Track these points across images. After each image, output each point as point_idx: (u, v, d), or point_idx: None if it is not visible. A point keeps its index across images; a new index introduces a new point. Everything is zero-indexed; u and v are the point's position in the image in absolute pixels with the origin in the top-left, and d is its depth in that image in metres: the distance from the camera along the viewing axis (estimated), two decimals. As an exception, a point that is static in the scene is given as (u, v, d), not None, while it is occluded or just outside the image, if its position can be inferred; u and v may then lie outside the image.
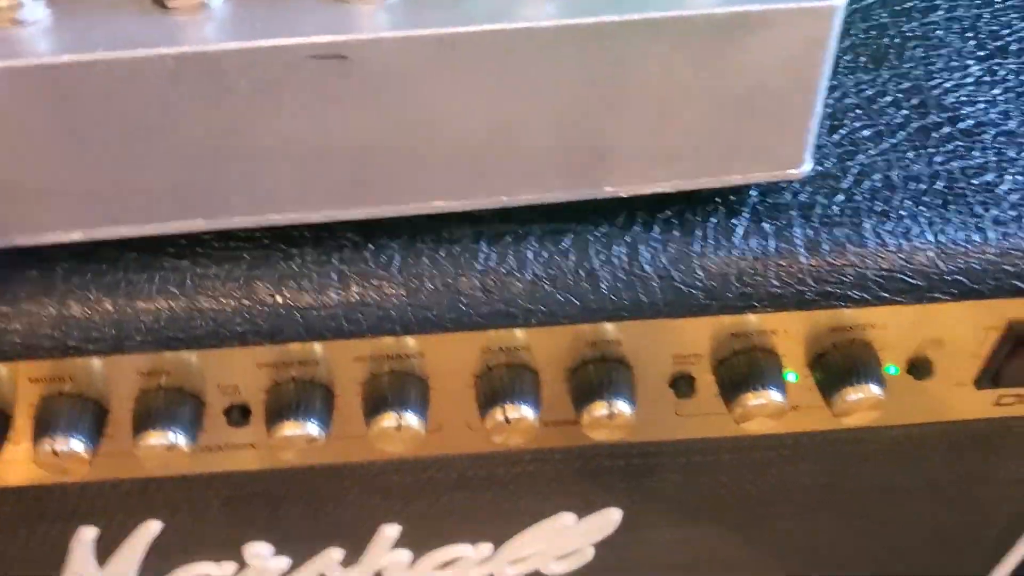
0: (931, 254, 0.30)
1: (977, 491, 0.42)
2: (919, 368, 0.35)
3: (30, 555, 0.40)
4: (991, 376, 0.36)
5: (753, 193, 0.31)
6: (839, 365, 0.34)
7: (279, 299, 0.29)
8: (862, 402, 0.33)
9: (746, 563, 0.45)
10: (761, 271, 0.30)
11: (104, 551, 0.40)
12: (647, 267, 0.30)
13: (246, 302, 0.29)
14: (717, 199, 0.31)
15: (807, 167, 0.30)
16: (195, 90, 0.25)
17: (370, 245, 0.30)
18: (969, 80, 0.35)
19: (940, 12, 0.38)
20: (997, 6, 0.38)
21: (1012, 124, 0.34)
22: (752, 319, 0.33)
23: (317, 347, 0.32)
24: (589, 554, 0.43)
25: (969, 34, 0.37)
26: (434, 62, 0.26)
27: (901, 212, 0.31)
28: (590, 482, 0.40)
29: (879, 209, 0.31)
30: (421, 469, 0.38)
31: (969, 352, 0.35)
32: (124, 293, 0.29)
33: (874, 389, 0.33)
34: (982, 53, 0.36)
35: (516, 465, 0.39)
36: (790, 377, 0.35)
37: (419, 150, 0.27)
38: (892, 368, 0.35)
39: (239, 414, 0.34)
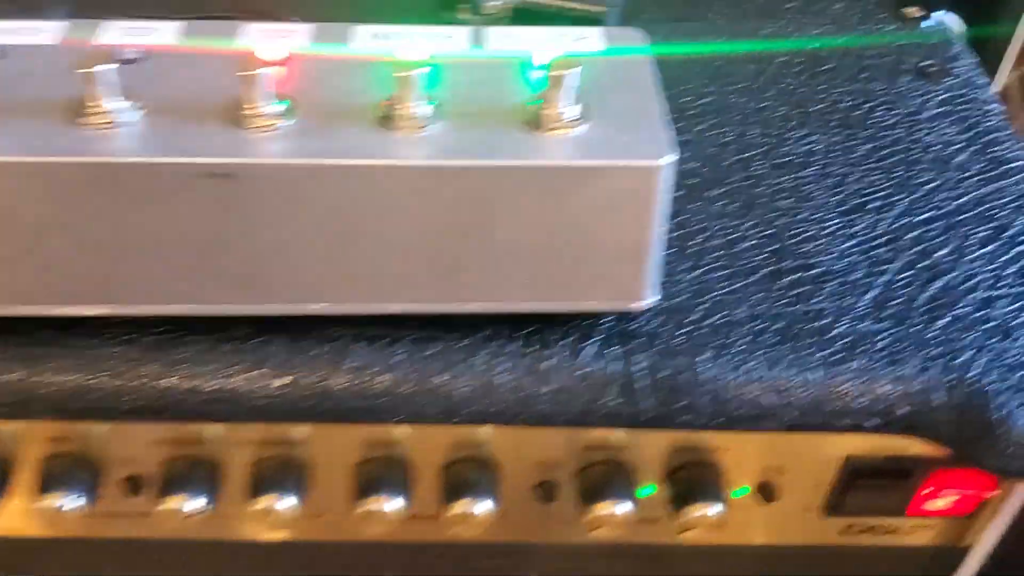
0: (760, 387, 0.34)
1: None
2: (766, 492, 0.38)
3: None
4: (835, 506, 0.38)
5: (608, 319, 0.35)
6: (686, 483, 0.37)
7: (166, 383, 0.33)
8: (702, 520, 0.36)
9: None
10: (601, 390, 0.33)
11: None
12: (498, 377, 0.33)
13: (136, 382, 0.33)
14: (577, 322, 0.35)
15: (650, 301, 0.33)
16: (101, 194, 0.29)
17: (258, 338, 0.33)
18: (826, 232, 0.39)
19: (815, 168, 0.42)
20: (866, 166, 0.42)
21: (856, 275, 0.37)
22: (610, 435, 0.36)
23: (208, 428, 0.35)
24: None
25: (837, 190, 0.41)
26: (308, 186, 0.29)
27: (738, 347, 0.34)
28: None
29: (718, 343, 0.34)
30: (309, 553, 0.41)
31: (812, 481, 0.38)
32: (32, 364, 0.32)
33: (714, 508, 0.36)
34: (844, 208, 0.40)
35: (400, 555, 0.41)
36: (647, 491, 0.38)
37: (297, 259, 0.31)
38: (743, 489, 0.38)
39: (134, 485, 0.37)
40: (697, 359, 0.34)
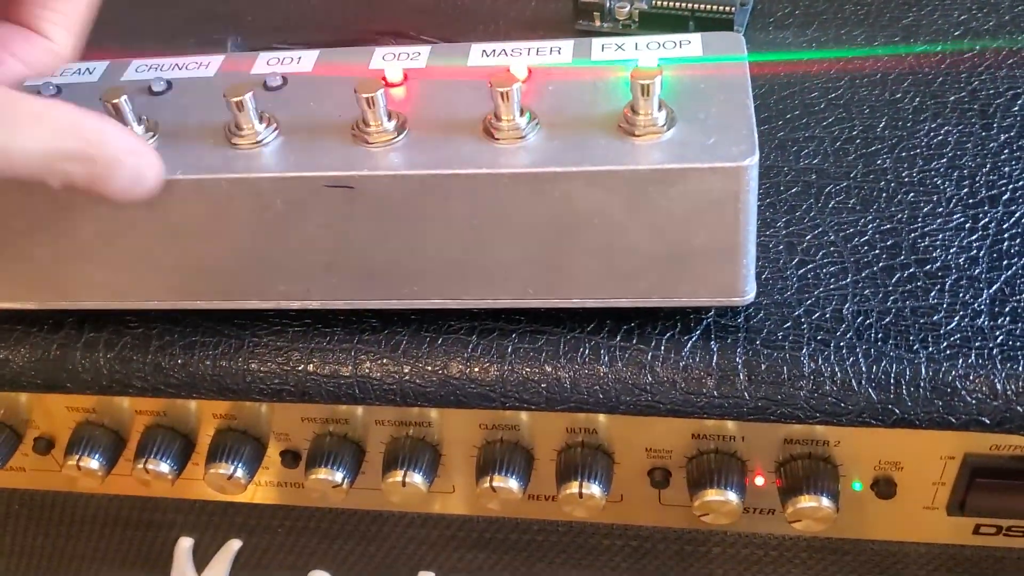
0: (862, 383, 0.34)
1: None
2: (882, 488, 0.38)
3: (144, 556, 0.50)
4: (959, 505, 0.38)
5: (709, 313, 0.36)
6: (796, 475, 0.37)
7: (309, 368, 0.37)
8: (811, 512, 0.36)
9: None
10: (701, 383, 0.35)
11: (199, 561, 0.49)
12: (603, 368, 0.35)
13: (285, 368, 0.37)
14: (678, 316, 0.36)
15: (749, 297, 0.34)
16: (249, 204, 0.34)
17: (385, 330, 0.37)
18: (950, 226, 0.38)
19: (943, 160, 0.41)
20: (1002, 157, 0.41)
21: (976, 270, 0.36)
22: (721, 424, 0.37)
23: (352, 408, 0.40)
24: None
25: (965, 182, 0.40)
26: (419, 194, 0.33)
27: (841, 343, 0.35)
28: (594, 557, 0.44)
29: (820, 338, 0.35)
30: (445, 526, 0.45)
31: (930, 478, 0.37)
32: (197, 352, 0.38)
33: (824, 502, 0.36)
34: (972, 200, 0.39)
35: (527, 533, 0.44)
36: (759, 481, 0.39)
37: (414, 258, 0.35)
38: (857, 484, 0.38)
39: (291, 458, 0.42)
40: (797, 353, 0.34)
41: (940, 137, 0.42)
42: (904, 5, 0.50)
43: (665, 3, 0.48)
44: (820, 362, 0.34)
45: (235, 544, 0.48)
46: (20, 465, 0.45)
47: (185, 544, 0.49)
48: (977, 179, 0.40)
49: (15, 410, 0.43)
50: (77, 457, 0.41)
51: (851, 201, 0.40)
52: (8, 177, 0.29)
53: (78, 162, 0.30)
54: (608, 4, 0.49)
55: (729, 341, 0.35)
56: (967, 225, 0.38)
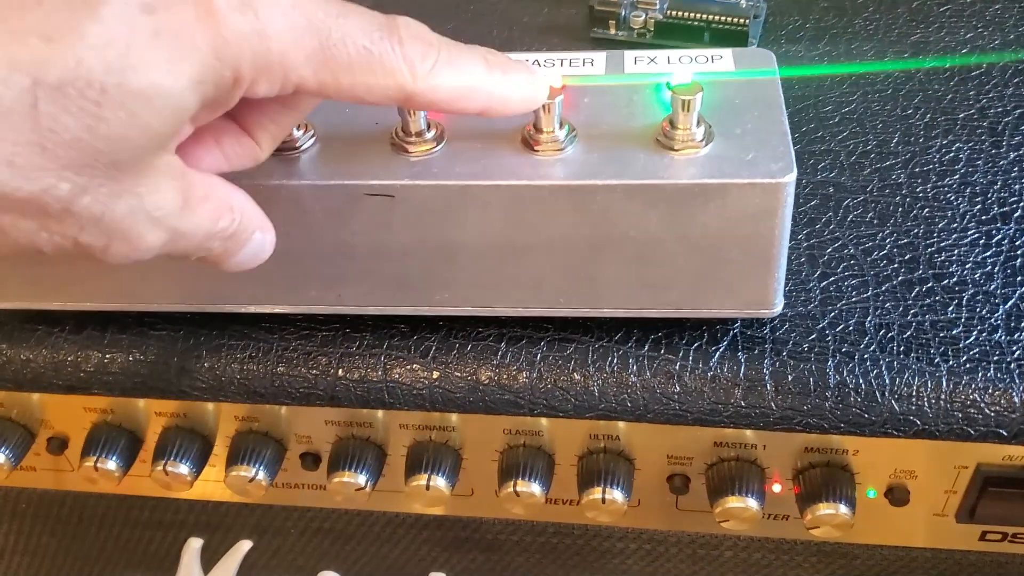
0: (885, 395, 0.35)
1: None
2: (895, 495, 0.39)
3: (152, 556, 0.49)
4: (968, 512, 0.39)
5: (736, 324, 0.37)
6: (815, 482, 0.38)
7: (338, 372, 0.37)
8: (829, 519, 0.37)
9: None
10: (728, 391, 0.35)
11: (207, 562, 0.49)
12: (632, 377, 0.36)
13: (314, 371, 0.37)
14: (704, 327, 0.37)
15: (777, 309, 0.35)
16: (280, 211, 0.34)
17: (415, 336, 0.37)
18: (965, 241, 0.39)
19: (956, 177, 0.42)
20: (1012, 174, 0.42)
21: (992, 285, 0.37)
22: (741, 432, 0.38)
23: (374, 412, 0.40)
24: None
25: (978, 198, 0.41)
26: (458, 203, 0.33)
27: (865, 356, 0.35)
28: (607, 559, 0.45)
29: (845, 350, 0.36)
30: (461, 527, 0.45)
31: (942, 487, 0.38)
32: (224, 355, 0.38)
33: (842, 509, 0.37)
34: (985, 217, 0.40)
35: (541, 535, 0.45)
36: (776, 488, 0.39)
37: (449, 266, 0.35)
38: (871, 491, 0.39)
39: (311, 460, 0.42)
40: (823, 365, 0.35)
41: (952, 154, 0.43)
42: (912, 22, 0.51)
43: (680, 14, 0.49)
44: (845, 374, 0.35)
45: (245, 545, 0.48)
46: (31, 464, 0.45)
47: (195, 545, 0.49)
48: (989, 196, 0.41)
49: (29, 409, 0.42)
50: (94, 458, 0.41)
51: (869, 215, 0.41)
52: (166, 255, 0.28)
53: (222, 239, 0.29)
54: (623, 13, 0.50)
55: (756, 352, 0.36)
56: (981, 241, 0.39)
